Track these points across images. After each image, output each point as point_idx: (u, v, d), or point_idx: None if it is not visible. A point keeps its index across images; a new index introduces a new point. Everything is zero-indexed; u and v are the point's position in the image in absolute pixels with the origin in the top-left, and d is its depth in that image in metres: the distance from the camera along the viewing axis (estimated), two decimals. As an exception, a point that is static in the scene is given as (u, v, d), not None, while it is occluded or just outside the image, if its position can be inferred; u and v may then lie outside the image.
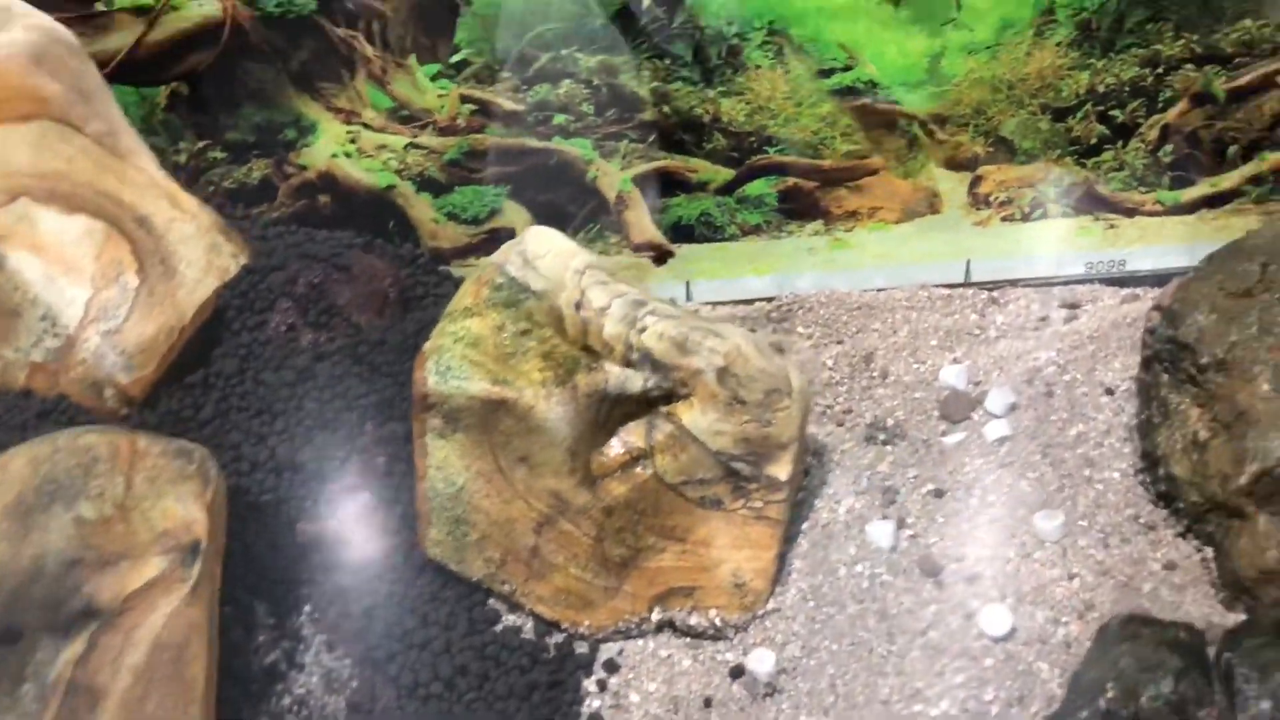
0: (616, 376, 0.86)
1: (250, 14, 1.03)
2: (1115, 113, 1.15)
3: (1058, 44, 1.11)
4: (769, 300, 1.22)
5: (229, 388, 0.89)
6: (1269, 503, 0.86)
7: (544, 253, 0.93)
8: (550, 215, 1.17)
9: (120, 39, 1.04)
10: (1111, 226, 1.22)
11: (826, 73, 1.11)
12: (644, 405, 0.88)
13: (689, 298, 1.22)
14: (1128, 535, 0.93)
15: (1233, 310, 0.95)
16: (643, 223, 1.18)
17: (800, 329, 1.19)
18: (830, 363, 1.13)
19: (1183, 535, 0.93)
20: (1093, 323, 1.16)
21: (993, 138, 1.16)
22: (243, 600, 0.82)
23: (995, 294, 1.23)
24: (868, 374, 1.12)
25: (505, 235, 1.13)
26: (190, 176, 1.11)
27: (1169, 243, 1.22)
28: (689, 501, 0.88)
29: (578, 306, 0.90)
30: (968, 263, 1.23)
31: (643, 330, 0.88)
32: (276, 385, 0.90)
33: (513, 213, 1.16)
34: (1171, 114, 1.15)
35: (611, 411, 0.87)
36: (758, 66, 1.10)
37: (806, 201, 1.18)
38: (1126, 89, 1.14)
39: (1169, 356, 0.98)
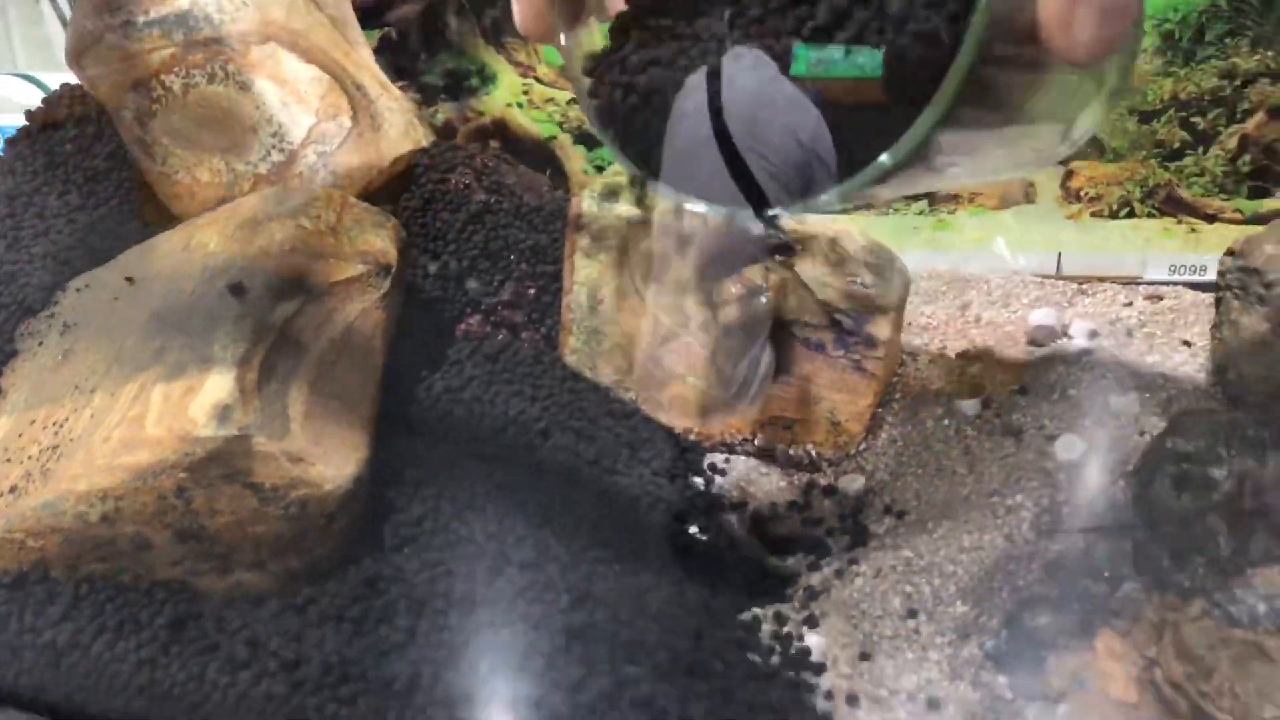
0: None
1: (457, -29, 1.25)
2: (1196, 120, 1.29)
3: (1144, 50, 1.26)
4: (875, 274, 1.34)
5: (412, 220, 1.05)
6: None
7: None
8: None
9: (351, -13, 1.26)
10: (1193, 231, 1.34)
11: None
12: (764, 251, 1.01)
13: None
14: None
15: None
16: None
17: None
18: (929, 312, 1.25)
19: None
20: (1174, 303, 1.27)
21: (1084, 135, 1.30)
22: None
23: (1084, 287, 1.35)
24: (963, 319, 1.24)
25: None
26: (386, 114, 1.31)
27: (1249, 254, 1.32)
28: (795, 339, 1.00)
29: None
30: (1059, 255, 1.35)
31: (766, 206, 1.03)
32: (451, 223, 1.05)
33: (654, 170, 1.33)
34: (1249, 125, 1.29)
35: (735, 251, 1.01)
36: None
37: (914, 182, 1.33)
38: (1206, 98, 1.28)
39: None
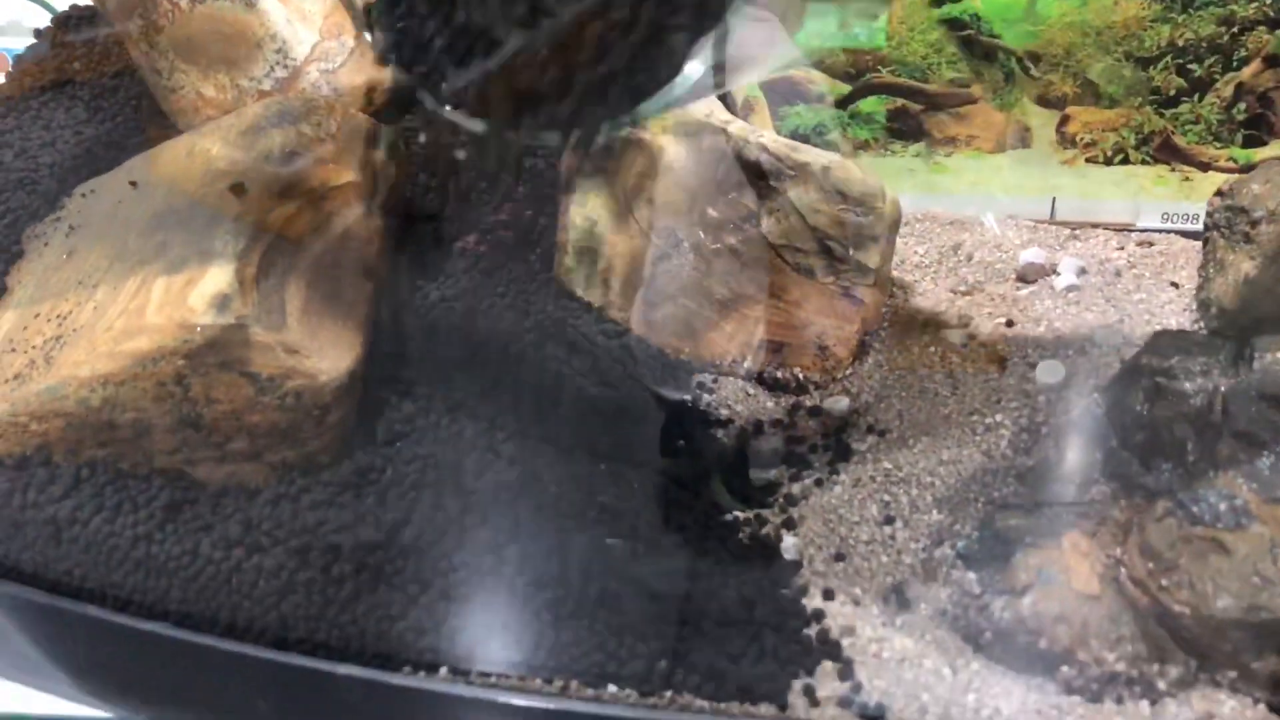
0: (737, 141, 1.02)
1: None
2: (1193, 67, 1.30)
3: (1143, -5, 1.27)
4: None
5: (412, 139, 1.07)
6: None
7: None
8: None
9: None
10: (1187, 179, 1.35)
11: (938, 2, 1.29)
12: (757, 176, 1.03)
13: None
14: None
15: None
16: (766, 127, 1.34)
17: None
18: (922, 251, 1.27)
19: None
20: (1165, 248, 1.28)
21: (1080, 80, 1.32)
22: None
23: (1077, 232, 1.36)
24: (955, 258, 1.26)
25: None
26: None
27: (1242, 203, 1.33)
28: (786, 264, 1.02)
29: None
30: (1053, 200, 1.36)
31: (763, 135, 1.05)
32: (452, 143, 1.07)
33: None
34: (1245, 73, 1.30)
35: (729, 175, 1.02)
36: (878, -11, 1.28)
37: (912, 123, 1.34)
38: (1204, 45, 1.29)
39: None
